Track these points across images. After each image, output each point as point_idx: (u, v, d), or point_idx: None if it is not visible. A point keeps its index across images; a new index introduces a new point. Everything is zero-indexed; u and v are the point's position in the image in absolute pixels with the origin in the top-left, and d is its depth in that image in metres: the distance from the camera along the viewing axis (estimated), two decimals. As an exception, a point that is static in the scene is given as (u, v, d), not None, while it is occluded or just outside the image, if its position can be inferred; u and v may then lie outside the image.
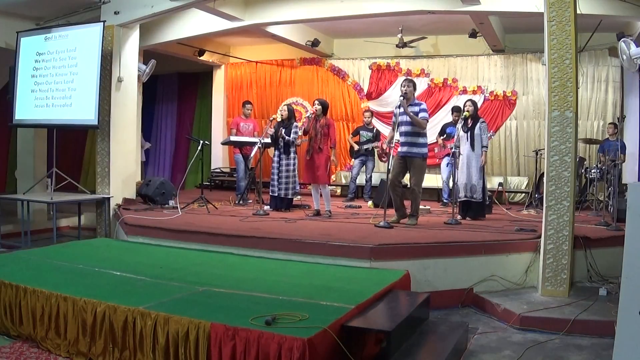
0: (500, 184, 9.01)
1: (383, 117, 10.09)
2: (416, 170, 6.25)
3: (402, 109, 6.15)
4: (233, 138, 8.39)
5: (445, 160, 8.38)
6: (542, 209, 5.15)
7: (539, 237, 5.20)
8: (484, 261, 5.14)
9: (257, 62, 11.22)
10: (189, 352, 3.21)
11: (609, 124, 8.39)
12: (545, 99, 5.06)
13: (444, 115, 9.47)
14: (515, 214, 7.38)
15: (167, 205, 7.57)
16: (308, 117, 7.02)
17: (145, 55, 9.04)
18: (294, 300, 3.71)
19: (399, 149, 6.39)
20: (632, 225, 2.65)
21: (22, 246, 6.57)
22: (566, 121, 4.83)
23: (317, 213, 6.98)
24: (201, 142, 7.81)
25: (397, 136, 6.31)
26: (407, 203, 6.41)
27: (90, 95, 7.21)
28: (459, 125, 6.90)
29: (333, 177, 10.06)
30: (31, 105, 7.63)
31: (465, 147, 6.75)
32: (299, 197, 8.45)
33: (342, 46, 10.76)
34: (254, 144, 7.77)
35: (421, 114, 6.13)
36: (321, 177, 6.82)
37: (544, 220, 4.97)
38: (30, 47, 7.65)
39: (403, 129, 6.22)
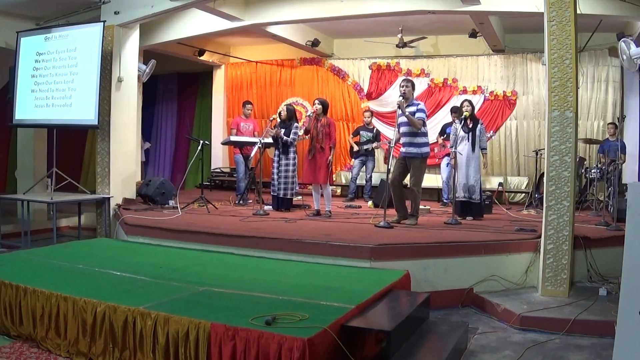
0: (500, 184, 9.01)
1: (383, 117, 10.09)
2: (415, 170, 6.25)
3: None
4: (233, 138, 8.39)
5: (445, 160, 8.38)
6: (542, 209, 5.15)
7: (539, 237, 5.21)
8: (484, 261, 5.14)
9: (257, 62, 11.22)
10: (189, 352, 3.21)
11: (609, 124, 8.39)
12: (545, 99, 5.07)
13: (444, 116, 9.46)
14: (515, 214, 7.38)
15: (167, 205, 7.57)
16: (309, 116, 7.00)
17: (145, 55, 9.05)
18: (294, 300, 3.71)
19: (400, 150, 6.40)
20: (632, 225, 2.64)
21: (22, 246, 6.57)
22: (566, 121, 4.83)
23: (317, 213, 6.98)
24: (201, 142, 7.81)
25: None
26: (407, 203, 6.41)
27: (90, 95, 7.21)
28: (458, 126, 6.89)
29: (334, 177, 10.05)
30: (31, 105, 7.62)
31: (465, 147, 6.75)
32: (299, 197, 8.45)
33: (342, 46, 10.77)
34: (254, 144, 7.77)
35: (417, 114, 6.13)
36: (322, 177, 6.82)
37: (544, 220, 4.97)
38: (30, 47, 7.65)
39: (402, 129, 6.23)
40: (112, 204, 7.41)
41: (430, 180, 8.71)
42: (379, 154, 9.87)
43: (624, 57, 6.47)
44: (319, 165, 6.78)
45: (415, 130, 6.15)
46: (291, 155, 7.29)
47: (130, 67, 7.70)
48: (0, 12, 7.71)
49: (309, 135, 6.92)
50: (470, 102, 6.98)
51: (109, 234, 7.23)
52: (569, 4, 4.82)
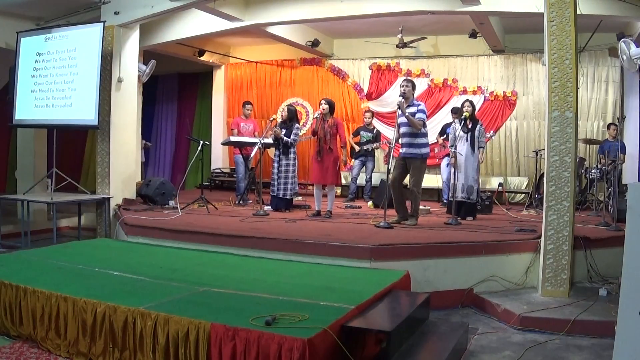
0: (500, 184, 9.01)
1: (383, 117, 10.08)
2: (415, 170, 6.24)
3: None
4: (233, 138, 8.39)
5: (445, 161, 8.38)
6: (542, 210, 5.15)
7: (539, 237, 5.20)
8: (484, 261, 5.14)
9: (257, 63, 11.22)
10: (189, 353, 3.21)
11: (609, 124, 8.38)
12: (545, 99, 5.06)
13: (444, 116, 9.46)
14: (516, 214, 7.38)
15: (167, 206, 7.57)
16: (316, 117, 6.97)
17: (146, 55, 9.05)
18: (294, 300, 3.71)
19: (400, 150, 6.39)
20: (632, 226, 2.64)
21: (22, 246, 6.57)
22: (566, 121, 4.83)
23: (318, 213, 6.98)
24: (201, 142, 7.81)
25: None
26: (407, 204, 6.41)
27: (90, 96, 7.21)
28: (458, 126, 6.89)
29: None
30: (31, 106, 7.63)
31: (464, 147, 6.75)
32: (299, 197, 8.45)
33: (342, 46, 10.76)
34: (254, 144, 7.77)
35: (418, 115, 6.12)
36: (331, 178, 6.82)
37: (544, 220, 4.97)
38: (30, 47, 7.65)
39: (402, 129, 6.22)
40: (112, 204, 7.41)
41: (431, 180, 8.71)
42: (379, 155, 9.87)
43: (624, 57, 6.47)
44: (326, 166, 6.78)
45: (416, 130, 6.15)
46: (291, 155, 7.29)
47: (130, 67, 7.70)
48: (0, 12, 7.72)
49: (316, 136, 6.89)
50: (471, 102, 6.97)
51: (109, 234, 7.23)
52: (569, 4, 4.82)
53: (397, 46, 9.56)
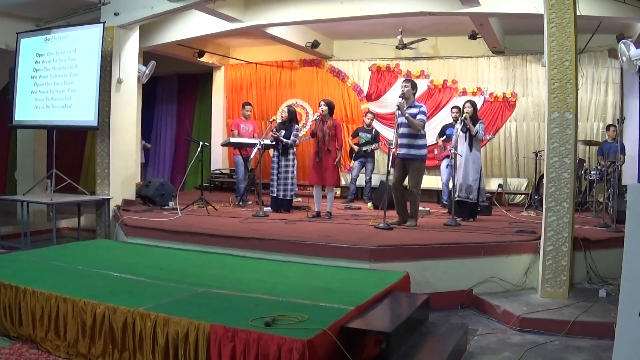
0: (499, 186, 9.01)
1: (383, 118, 10.09)
2: (414, 172, 6.23)
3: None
4: (233, 139, 8.38)
5: (444, 162, 8.38)
6: (542, 211, 5.15)
7: (539, 238, 5.20)
8: (484, 262, 5.14)
9: (256, 64, 11.22)
10: (189, 354, 3.21)
11: (608, 125, 8.38)
12: (545, 100, 5.07)
13: (444, 117, 9.46)
14: (515, 216, 7.37)
15: (166, 207, 7.57)
16: (315, 119, 6.96)
17: (145, 56, 9.05)
18: (294, 301, 3.71)
19: (398, 151, 6.37)
20: (632, 227, 2.64)
21: (22, 247, 6.56)
22: (566, 123, 4.83)
23: (318, 214, 6.97)
24: (201, 143, 7.81)
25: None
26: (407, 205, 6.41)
27: (90, 97, 7.21)
28: (458, 126, 6.89)
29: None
30: (31, 106, 7.62)
31: (463, 147, 6.75)
32: (299, 198, 8.45)
33: (342, 47, 10.77)
34: (254, 145, 7.77)
35: (419, 116, 6.10)
36: (329, 179, 6.82)
37: (543, 221, 4.97)
38: (30, 48, 7.65)
39: (401, 130, 6.20)
40: (112, 205, 7.41)
41: (430, 181, 8.71)
42: (379, 156, 9.87)
43: (624, 58, 6.49)
44: (325, 167, 6.78)
45: (415, 132, 6.14)
46: (290, 156, 7.29)
47: (130, 68, 7.70)
48: (0, 13, 7.72)
49: (314, 137, 6.90)
50: (472, 102, 6.95)
51: (108, 235, 7.23)
52: (569, 6, 4.82)
53: (397, 47, 9.57)
